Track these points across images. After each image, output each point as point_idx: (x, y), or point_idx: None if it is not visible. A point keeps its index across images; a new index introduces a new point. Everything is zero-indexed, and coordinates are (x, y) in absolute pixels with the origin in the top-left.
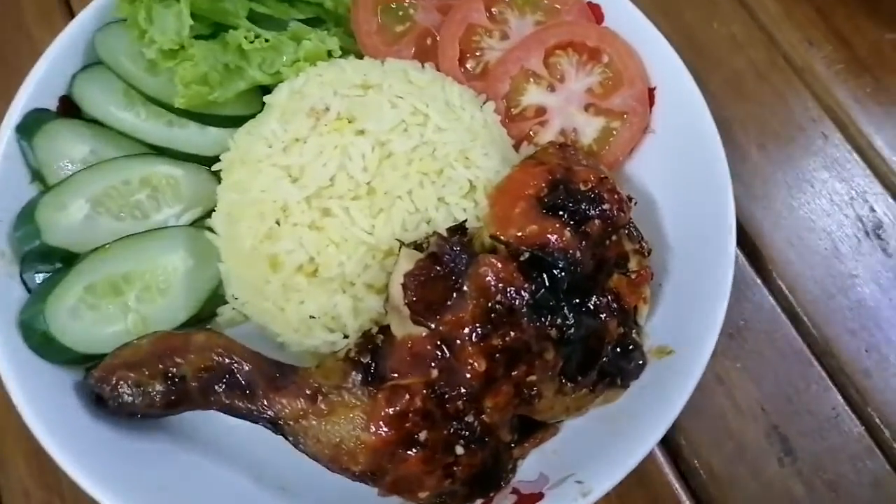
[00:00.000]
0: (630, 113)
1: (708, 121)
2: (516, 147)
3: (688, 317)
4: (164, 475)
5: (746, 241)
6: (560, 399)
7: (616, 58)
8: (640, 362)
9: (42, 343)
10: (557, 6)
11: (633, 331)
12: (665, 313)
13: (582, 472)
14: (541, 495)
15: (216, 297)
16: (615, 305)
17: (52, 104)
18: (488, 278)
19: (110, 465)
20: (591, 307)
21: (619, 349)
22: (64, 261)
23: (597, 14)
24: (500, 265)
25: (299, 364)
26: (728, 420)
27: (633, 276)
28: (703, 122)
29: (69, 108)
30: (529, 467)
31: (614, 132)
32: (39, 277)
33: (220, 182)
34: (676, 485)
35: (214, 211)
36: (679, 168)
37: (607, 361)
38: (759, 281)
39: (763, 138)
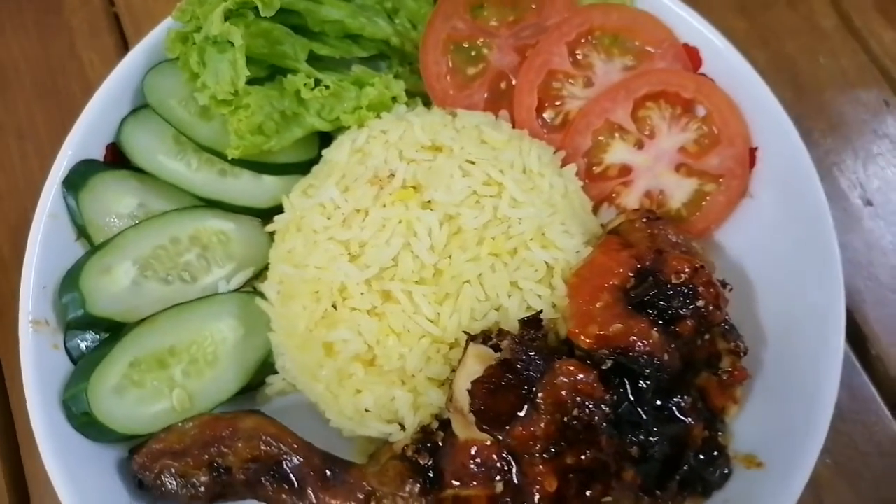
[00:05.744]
0: (727, 175)
1: (817, 191)
2: (596, 208)
3: (782, 423)
4: None
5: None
6: None
7: (715, 112)
8: (726, 471)
9: (84, 424)
10: (650, 48)
11: (719, 434)
12: (755, 413)
13: None
14: None
15: (265, 366)
16: (701, 406)
17: (99, 153)
18: (565, 391)
19: None
20: (675, 409)
21: (702, 456)
22: (109, 329)
23: (694, 59)
24: (579, 375)
25: (351, 444)
26: None
27: (724, 377)
28: (811, 191)
29: (116, 156)
30: None
31: (708, 196)
32: (84, 345)
33: (272, 239)
34: None
35: (266, 271)
36: (779, 241)
37: (689, 470)
38: (857, 364)
39: (873, 194)
